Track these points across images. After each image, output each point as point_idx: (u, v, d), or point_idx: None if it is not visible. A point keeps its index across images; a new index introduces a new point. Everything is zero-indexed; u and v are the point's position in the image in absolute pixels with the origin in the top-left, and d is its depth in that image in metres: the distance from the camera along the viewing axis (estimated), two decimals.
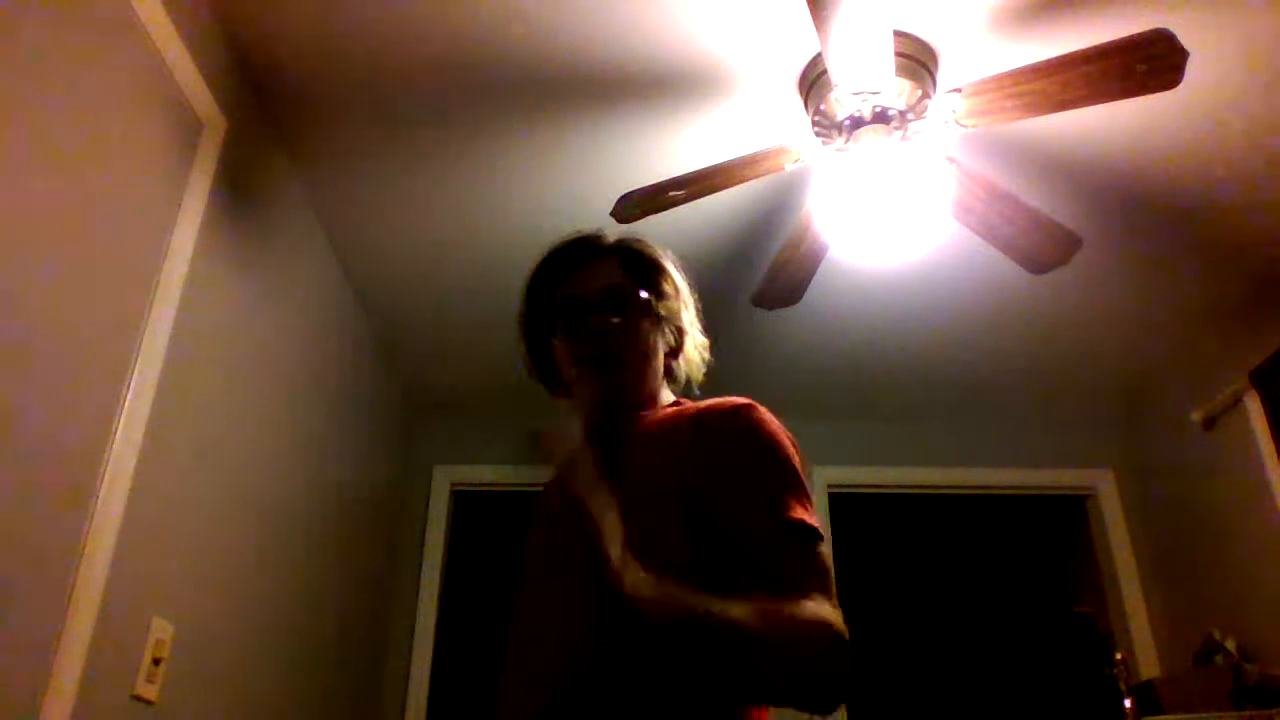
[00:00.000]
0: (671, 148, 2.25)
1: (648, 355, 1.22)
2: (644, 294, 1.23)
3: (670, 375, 1.27)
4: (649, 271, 1.26)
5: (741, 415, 1.10)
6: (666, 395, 1.27)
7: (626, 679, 0.98)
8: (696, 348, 1.30)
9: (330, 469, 2.71)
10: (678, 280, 1.29)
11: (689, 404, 1.20)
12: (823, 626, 0.92)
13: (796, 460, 1.08)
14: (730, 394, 1.15)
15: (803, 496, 1.04)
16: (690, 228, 2.51)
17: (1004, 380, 3.40)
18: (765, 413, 1.11)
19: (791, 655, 0.91)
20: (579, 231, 1.31)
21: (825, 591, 0.96)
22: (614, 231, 1.32)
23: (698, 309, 1.32)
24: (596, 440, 1.21)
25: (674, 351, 1.27)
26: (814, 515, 1.03)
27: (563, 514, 1.15)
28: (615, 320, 1.20)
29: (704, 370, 1.31)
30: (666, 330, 1.25)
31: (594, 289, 1.22)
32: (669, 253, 1.31)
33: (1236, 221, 2.51)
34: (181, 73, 1.76)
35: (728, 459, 1.07)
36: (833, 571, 1.00)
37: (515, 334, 1.32)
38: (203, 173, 1.86)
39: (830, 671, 0.91)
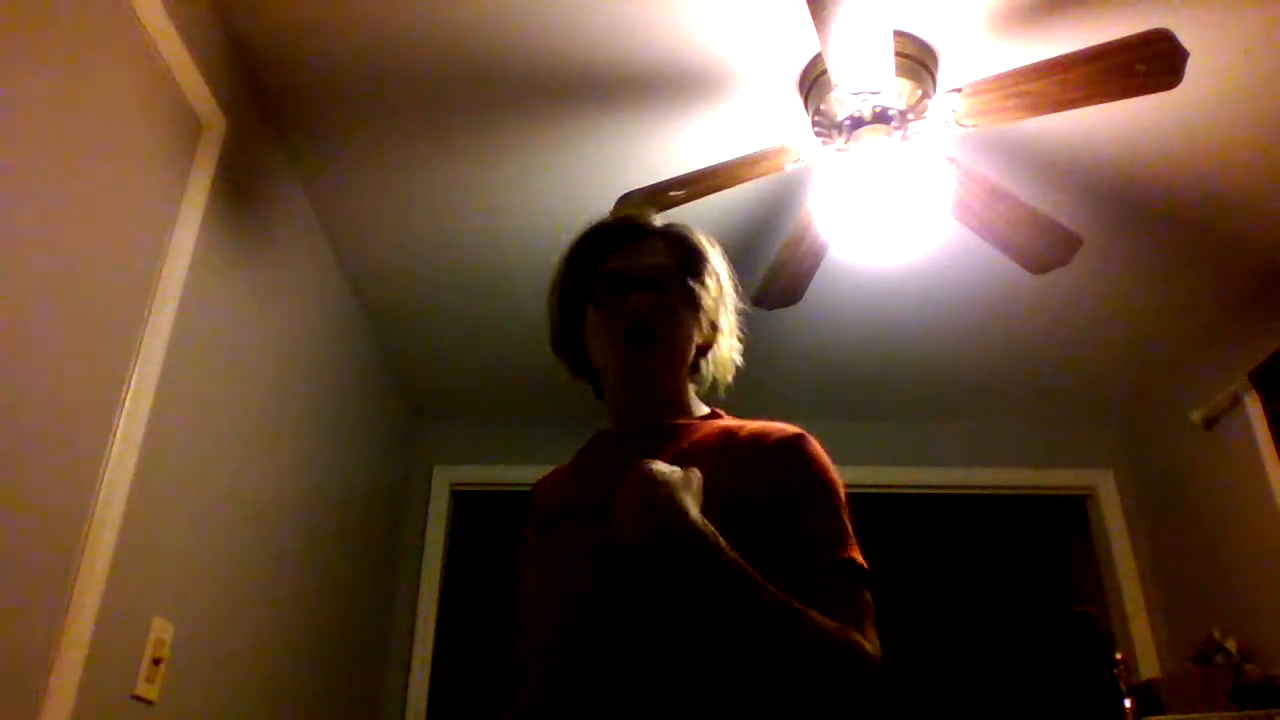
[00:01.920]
0: (671, 148, 2.25)
1: (682, 340, 1.20)
2: (688, 280, 1.21)
3: (695, 371, 1.25)
4: (694, 259, 1.24)
5: (802, 446, 1.11)
6: (695, 402, 1.24)
7: (639, 650, 0.99)
8: (729, 349, 1.26)
9: (330, 469, 2.71)
10: (721, 276, 1.26)
11: (730, 419, 1.19)
12: (862, 649, 0.93)
13: (844, 497, 1.09)
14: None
15: (853, 535, 1.06)
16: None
17: (1004, 380, 3.40)
18: (818, 445, 1.12)
19: (825, 659, 0.91)
20: (625, 212, 1.29)
21: (872, 628, 0.98)
22: (662, 217, 1.29)
23: (738, 311, 1.29)
24: (626, 426, 1.20)
25: (704, 348, 1.25)
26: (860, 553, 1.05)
27: (580, 506, 1.13)
28: (656, 298, 1.18)
29: (732, 374, 1.27)
30: (703, 322, 1.22)
31: (639, 266, 1.20)
32: (718, 246, 1.28)
33: (1236, 221, 2.51)
34: (181, 73, 1.76)
35: (791, 488, 1.07)
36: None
37: (547, 305, 1.29)
38: (203, 173, 1.86)
39: (857, 689, 0.92)
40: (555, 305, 1.27)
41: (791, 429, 1.13)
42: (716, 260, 1.26)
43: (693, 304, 1.20)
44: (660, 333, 1.17)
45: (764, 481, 1.06)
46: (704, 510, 0.99)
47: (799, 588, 0.98)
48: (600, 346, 1.20)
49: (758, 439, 1.12)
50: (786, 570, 1.00)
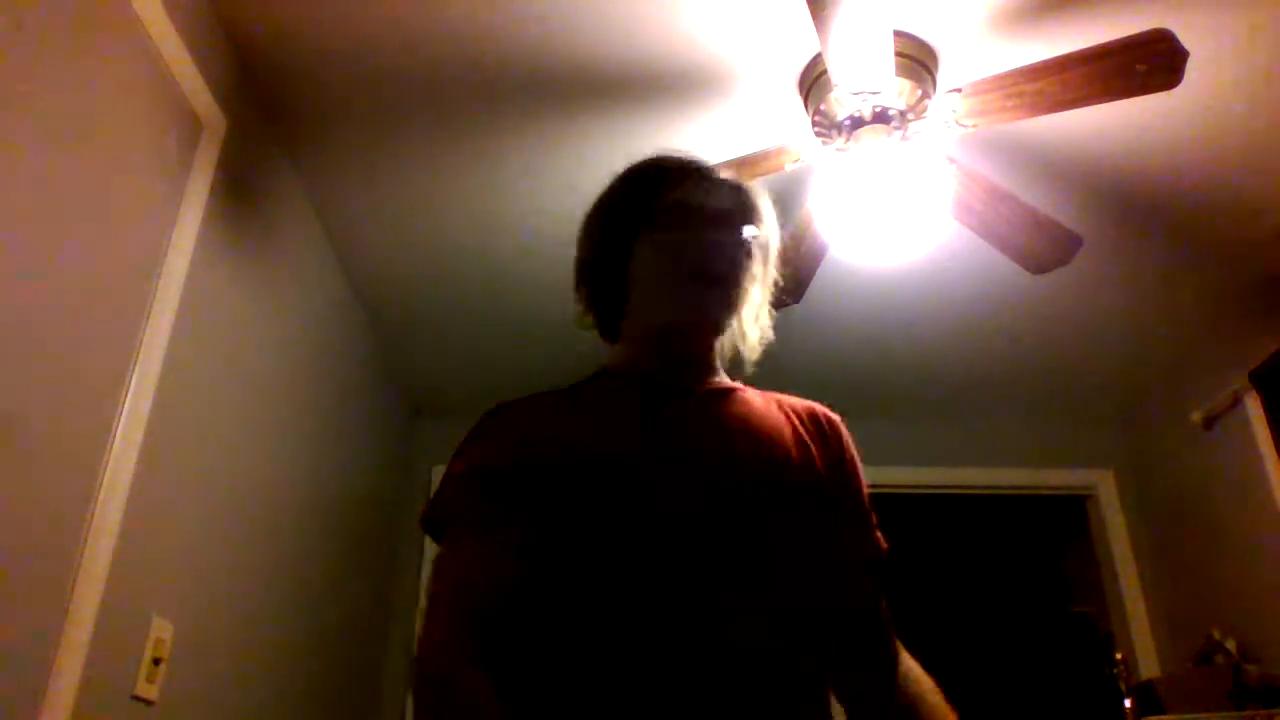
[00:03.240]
0: (671, 148, 2.24)
1: (743, 296, 1.10)
2: (766, 240, 1.12)
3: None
4: (760, 218, 1.13)
5: (845, 428, 1.15)
6: (720, 365, 1.15)
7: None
8: (758, 324, 1.16)
9: (330, 469, 2.71)
10: (774, 241, 1.16)
11: (756, 390, 1.14)
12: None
13: None
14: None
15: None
16: None
17: (1004, 380, 3.40)
18: None
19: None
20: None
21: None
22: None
23: (773, 289, 1.20)
24: (647, 382, 1.08)
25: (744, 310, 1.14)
26: None
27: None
28: (731, 244, 1.08)
29: (758, 353, 1.18)
30: (757, 281, 1.13)
31: (720, 207, 1.09)
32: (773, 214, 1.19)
33: (1236, 221, 2.51)
34: (181, 73, 1.75)
35: (854, 471, 1.12)
36: None
37: (584, 230, 1.18)
38: (203, 173, 1.86)
39: None
40: (600, 228, 1.15)
41: (828, 410, 1.15)
42: (773, 225, 1.16)
43: (754, 261, 1.11)
44: (730, 281, 1.08)
45: (827, 459, 1.08)
46: (777, 486, 1.01)
47: (855, 570, 1.10)
48: (658, 280, 1.08)
49: (813, 416, 1.13)
50: (846, 549, 1.08)
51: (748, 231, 1.10)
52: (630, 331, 1.12)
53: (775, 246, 1.16)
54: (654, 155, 1.18)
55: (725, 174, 1.16)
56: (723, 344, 1.14)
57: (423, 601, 1.07)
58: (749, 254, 1.10)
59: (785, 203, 2.46)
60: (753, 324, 1.15)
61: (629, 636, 0.90)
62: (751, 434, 1.05)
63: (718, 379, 1.13)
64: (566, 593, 0.94)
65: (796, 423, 1.10)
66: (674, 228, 1.08)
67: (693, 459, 1.01)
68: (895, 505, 4.14)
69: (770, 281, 1.16)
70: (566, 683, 0.90)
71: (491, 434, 1.06)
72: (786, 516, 1.00)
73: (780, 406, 1.12)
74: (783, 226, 1.22)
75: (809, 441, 1.08)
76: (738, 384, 1.15)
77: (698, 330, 1.10)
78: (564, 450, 1.00)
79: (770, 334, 1.17)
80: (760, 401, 1.12)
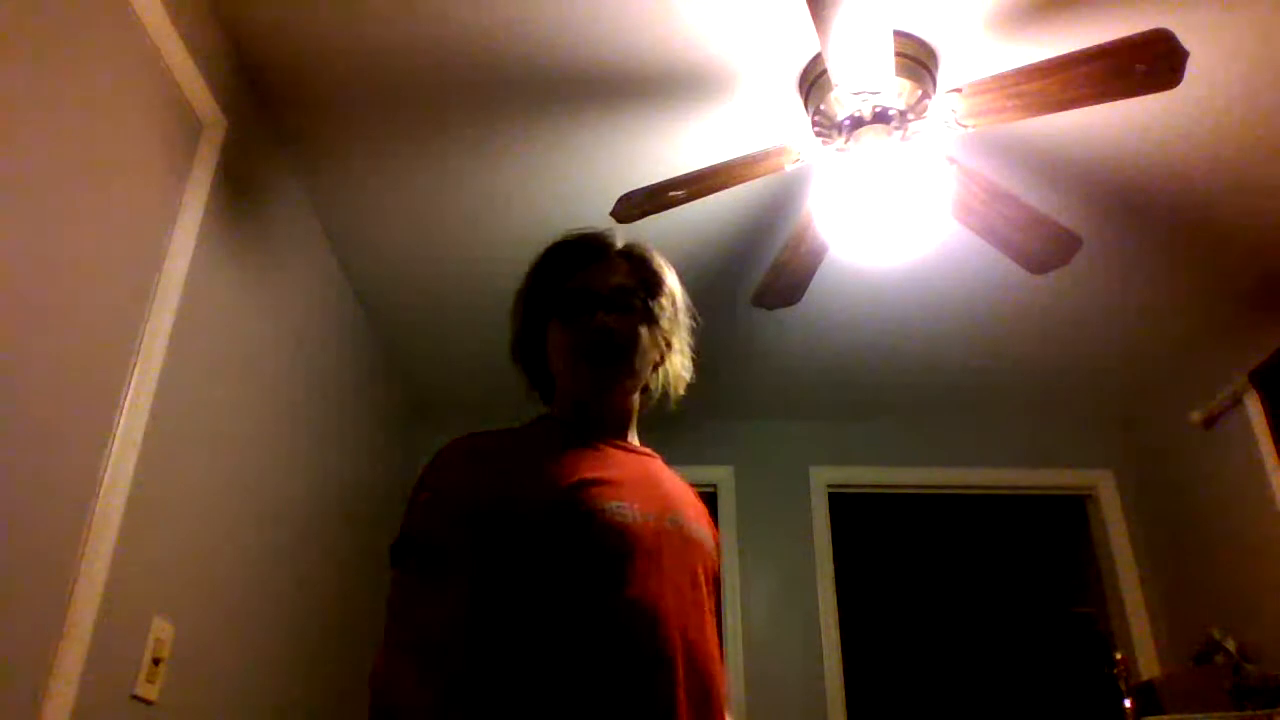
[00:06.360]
0: (671, 148, 2.25)
1: (643, 360, 1.25)
2: (649, 301, 1.26)
3: (645, 390, 1.31)
4: (654, 280, 1.29)
5: None
6: (634, 423, 1.32)
7: None
8: (681, 365, 1.33)
9: (330, 469, 2.71)
10: (677, 296, 1.32)
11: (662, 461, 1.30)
12: None
13: None
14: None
15: None
16: (690, 228, 2.51)
17: (1004, 380, 3.40)
18: None
19: None
20: (590, 228, 1.34)
21: None
22: (623, 235, 1.34)
23: (692, 329, 1.35)
24: (575, 432, 1.24)
25: (656, 364, 1.30)
26: None
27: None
28: (621, 318, 1.23)
29: (684, 388, 1.33)
30: (659, 340, 1.28)
31: (604, 286, 1.25)
32: (671, 267, 1.34)
33: (1236, 222, 2.51)
34: (181, 73, 1.76)
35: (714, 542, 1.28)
36: None
37: (508, 317, 1.33)
38: (203, 173, 1.86)
39: None
40: (519, 317, 1.31)
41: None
42: (673, 280, 1.32)
43: (652, 323, 1.26)
44: (625, 352, 1.23)
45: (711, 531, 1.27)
46: (708, 556, 1.22)
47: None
48: (564, 362, 1.24)
49: (697, 495, 1.31)
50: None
51: (645, 300, 1.25)
52: (562, 401, 1.29)
53: (679, 300, 1.32)
54: (563, 235, 1.32)
55: (622, 244, 1.31)
56: (655, 390, 1.31)
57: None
58: (651, 321, 1.25)
59: (785, 203, 2.47)
60: (679, 370, 1.31)
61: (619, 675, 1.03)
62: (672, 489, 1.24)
63: (632, 436, 1.29)
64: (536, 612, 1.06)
65: (693, 495, 1.28)
66: (575, 313, 1.22)
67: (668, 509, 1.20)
68: (896, 505, 4.17)
69: (684, 328, 1.32)
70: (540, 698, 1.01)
71: (454, 463, 1.18)
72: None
73: (677, 476, 1.29)
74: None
75: (703, 516, 1.27)
76: (643, 445, 1.30)
77: (602, 401, 1.25)
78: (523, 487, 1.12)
79: (689, 375, 1.33)
80: (663, 467, 1.28)
